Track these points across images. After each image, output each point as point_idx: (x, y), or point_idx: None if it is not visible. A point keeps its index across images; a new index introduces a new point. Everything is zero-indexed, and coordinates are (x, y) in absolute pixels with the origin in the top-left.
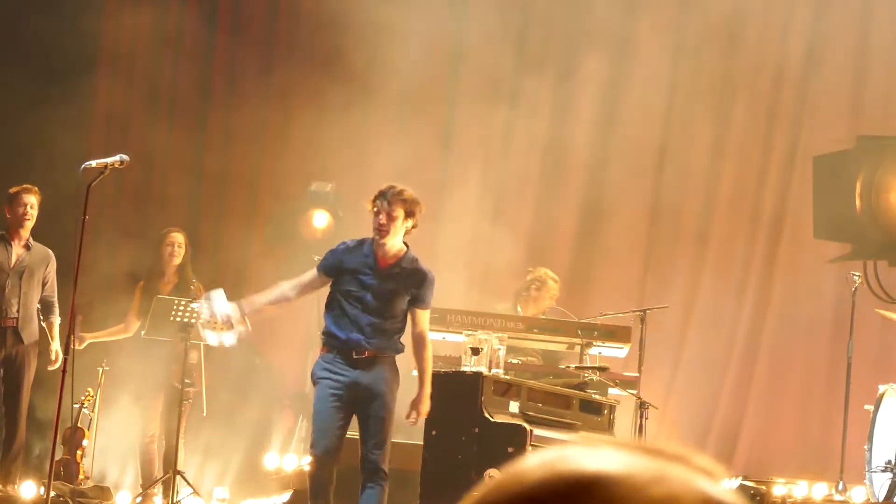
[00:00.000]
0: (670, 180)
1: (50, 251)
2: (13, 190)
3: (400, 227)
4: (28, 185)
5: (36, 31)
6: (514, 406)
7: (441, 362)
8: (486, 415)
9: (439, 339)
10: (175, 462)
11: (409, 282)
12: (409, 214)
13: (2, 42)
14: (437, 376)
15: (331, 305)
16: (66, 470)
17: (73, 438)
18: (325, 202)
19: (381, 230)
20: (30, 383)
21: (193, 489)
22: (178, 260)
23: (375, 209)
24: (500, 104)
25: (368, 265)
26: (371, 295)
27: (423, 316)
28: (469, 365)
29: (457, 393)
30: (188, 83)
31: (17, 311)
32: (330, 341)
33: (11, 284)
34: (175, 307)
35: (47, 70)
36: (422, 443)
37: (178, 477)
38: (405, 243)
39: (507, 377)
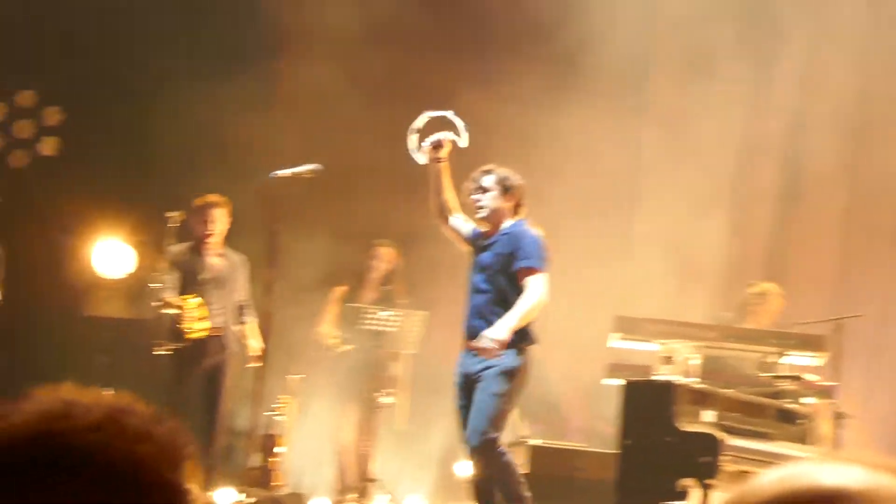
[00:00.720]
0: (868, 177)
1: (243, 257)
2: (199, 202)
3: (497, 202)
4: (214, 199)
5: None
6: (707, 415)
7: (634, 371)
8: (679, 424)
9: (630, 348)
10: (369, 470)
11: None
12: (506, 191)
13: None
14: (630, 385)
15: None
16: (262, 476)
17: (268, 445)
18: None
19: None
20: (229, 391)
21: (391, 496)
22: (379, 274)
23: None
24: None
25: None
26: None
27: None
28: (662, 374)
29: (650, 402)
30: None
31: (221, 321)
32: None
33: (210, 294)
34: (366, 315)
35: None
36: (616, 451)
37: (373, 484)
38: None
39: (700, 386)
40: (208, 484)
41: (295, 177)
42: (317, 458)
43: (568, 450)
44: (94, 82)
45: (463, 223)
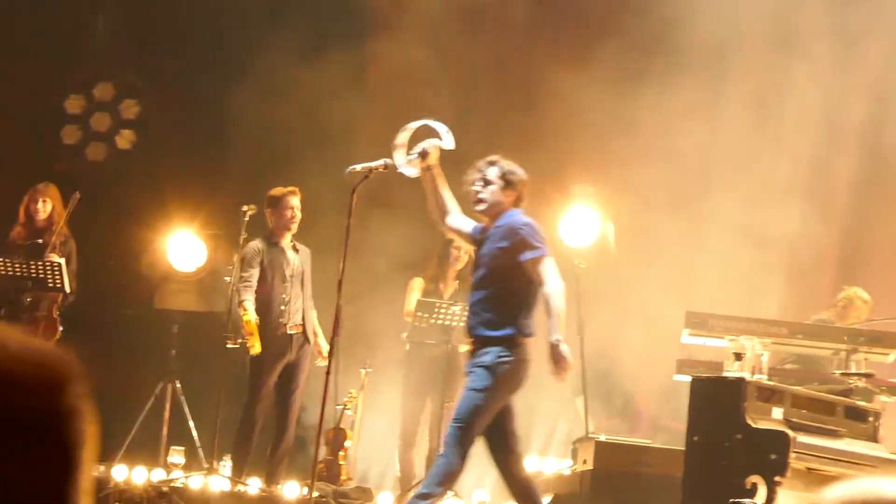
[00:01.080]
0: None
1: (307, 248)
2: (277, 192)
3: (497, 196)
4: (292, 188)
5: None
6: (777, 412)
7: (704, 368)
8: (749, 421)
9: (700, 343)
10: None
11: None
12: (508, 185)
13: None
14: (698, 381)
15: None
16: (329, 471)
17: (336, 439)
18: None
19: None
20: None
21: (454, 491)
22: (460, 265)
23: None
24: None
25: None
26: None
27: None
28: (732, 370)
29: (719, 398)
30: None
31: (302, 317)
32: None
33: (293, 290)
34: (437, 309)
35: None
36: (683, 448)
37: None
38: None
39: (770, 382)
40: (276, 477)
41: (368, 171)
42: (385, 452)
43: (634, 446)
44: (171, 75)
45: (464, 221)
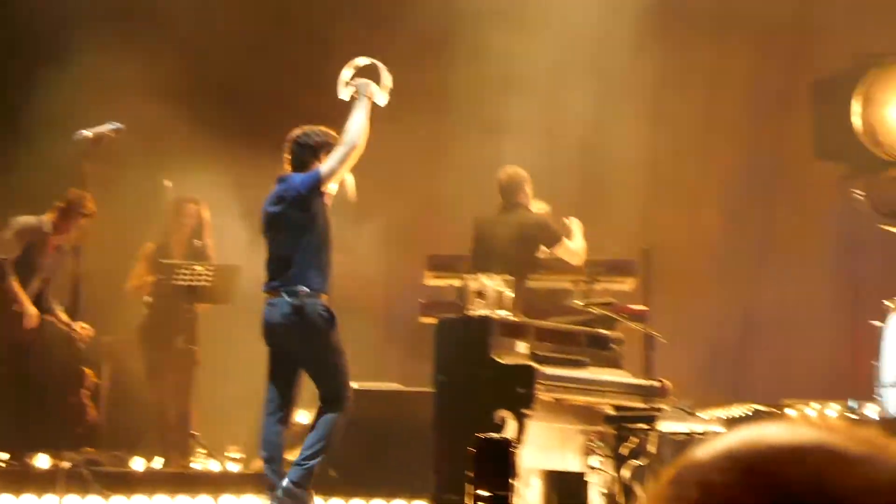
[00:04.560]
0: (668, 113)
1: None
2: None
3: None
4: None
5: None
6: (522, 346)
7: (448, 309)
8: (494, 357)
9: (445, 285)
10: (188, 425)
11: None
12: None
13: None
14: (443, 322)
15: None
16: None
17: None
18: None
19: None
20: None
21: (207, 450)
22: (189, 229)
23: None
24: None
25: None
26: None
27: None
28: (475, 308)
29: (463, 337)
30: None
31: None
32: None
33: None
34: (178, 270)
35: None
36: (431, 390)
37: (192, 439)
38: None
39: (513, 318)
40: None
41: (99, 137)
42: (137, 417)
43: (385, 391)
44: None
45: None
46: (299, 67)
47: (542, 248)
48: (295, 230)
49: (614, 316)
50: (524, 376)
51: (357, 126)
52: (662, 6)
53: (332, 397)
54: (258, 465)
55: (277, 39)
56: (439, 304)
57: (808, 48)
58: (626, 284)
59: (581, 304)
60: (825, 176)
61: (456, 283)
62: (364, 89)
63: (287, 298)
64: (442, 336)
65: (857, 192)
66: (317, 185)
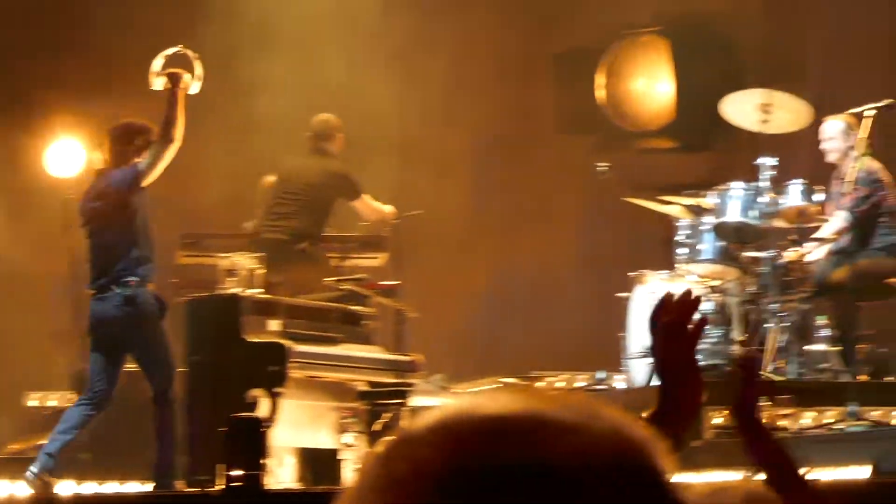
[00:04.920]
0: (418, 77)
1: None
2: None
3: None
4: None
5: None
6: (274, 325)
7: (201, 287)
8: (245, 336)
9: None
10: None
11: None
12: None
13: None
14: (194, 301)
15: None
16: None
17: None
18: None
19: None
20: None
21: None
22: None
23: None
24: None
25: None
26: None
27: None
28: (226, 287)
29: (215, 316)
30: None
31: None
32: None
33: None
34: None
35: None
36: (184, 369)
37: None
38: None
39: (264, 296)
40: None
41: None
42: None
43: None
44: None
45: None
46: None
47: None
48: (117, 226)
49: (364, 291)
50: (276, 354)
51: (173, 120)
52: None
53: (163, 387)
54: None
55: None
56: (192, 282)
57: (552, 19)
58: (378, 260)
59: (332, 280)
60: (572, 148)
61: (210, 261)
62: (177, 81)
63: (119, 291)
64: (193, 316)
65: (602, 164)
66: (137, 181)
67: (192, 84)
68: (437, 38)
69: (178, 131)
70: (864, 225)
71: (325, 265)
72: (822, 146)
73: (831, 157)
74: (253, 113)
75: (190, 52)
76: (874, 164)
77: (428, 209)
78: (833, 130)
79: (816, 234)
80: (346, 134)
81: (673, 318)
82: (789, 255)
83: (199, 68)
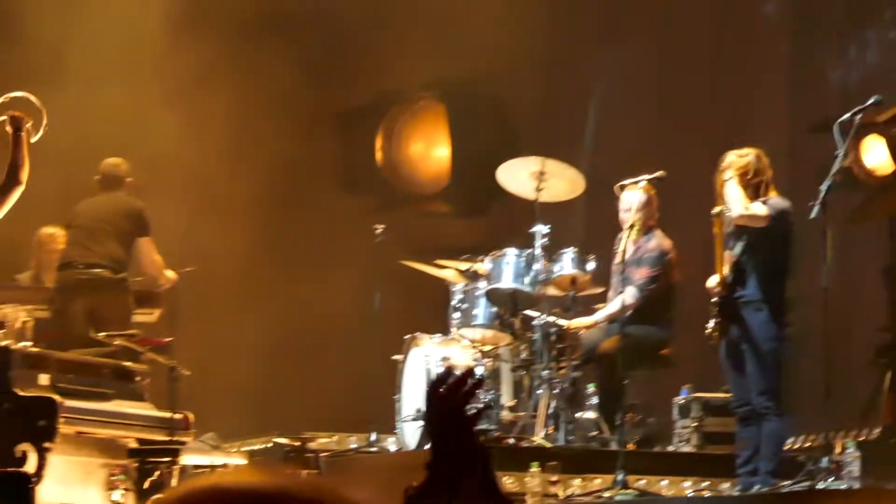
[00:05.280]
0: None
1: None
2: None
3: None
4: None
5: None
6: (44, 378)
7: None
8: (15, 389)
9: None
10: None
11: None
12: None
13: None
14: None
15: None
16: None
17: None
18: None
19: None
20: None
21: None
22: None
23: None
24: None
25: None
26: None
27: None
28: None
29: None
30: None
31: None
32: None
33: None
34: None
35: None
36: None
37: None
38: None
39: (35, 349)
40: None
41: None
42: None
43: None
44: None
45: None
46: None
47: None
48: None
49: (136, 347)
50: (45, 409)
51: (20, 162)
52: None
53: None
54: None
55: None
56: None
57: (338, 77)
58: (152, 316)
59: (104, 335)
60: (353, 206)
61: None
62: (19, 124)
63: None
64: None
65: (378, 225)
66: None
67: (35, 131)
68: (225, 80)
69: (24, 174)
70: (648, 301)
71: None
72: (621, 216)
73: (633, 222)
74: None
75: (32, 98)
76: (666, 243)
77: (207, 259)
78: (633, 201)
79: (604, 311)
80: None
81: (450, 394)
82: (561, 322)
83: (41, 112)
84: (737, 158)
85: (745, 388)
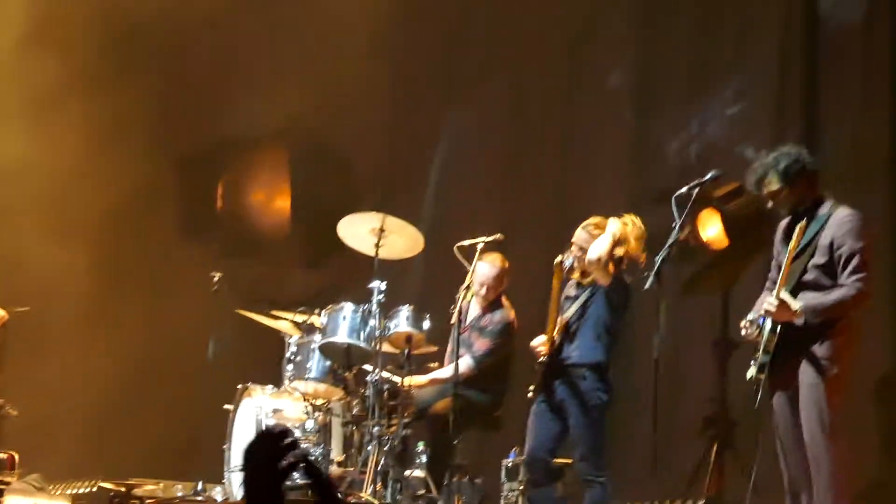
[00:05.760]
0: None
1: None
2: None
3: None
4: None
5: None
6: None
7: None
8: None
9: None
10: None
11: None
12: None
13: None
14: None
15: None
16: None
17: None
18: None
19: None
20: None
21: None
22: None
23: None
24: None
25: None
26: None
27: None
28: None
29: None
30: None
31: None
32: None
33: None
34: None
35: None
36: None
37: None
38: None
39: None
40: None
41: None
42: None
43: None
44: None
45: None
46: None
47: None
48: None
49: None
50: None
51: None
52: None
53: None
54: None
55: None
56: None
57: (180, 121)
58: None
59: None
60: (193, 253)
61: None
62: None
63: None
64: None
65: (215, 273)
66: None
67: None
68: (79, 100)
69: None
70: (482, 370)
71: None
72: (476, 286)
73: (481, 295)
74: None
75: None
76: (509, 314)
77: (43, 293)
78: (489, 272)
79: (439, 373)
80: None
81: (262, 451)
82: (395, 379)
83: None
84: (621, 226)
85: (546, 447)
